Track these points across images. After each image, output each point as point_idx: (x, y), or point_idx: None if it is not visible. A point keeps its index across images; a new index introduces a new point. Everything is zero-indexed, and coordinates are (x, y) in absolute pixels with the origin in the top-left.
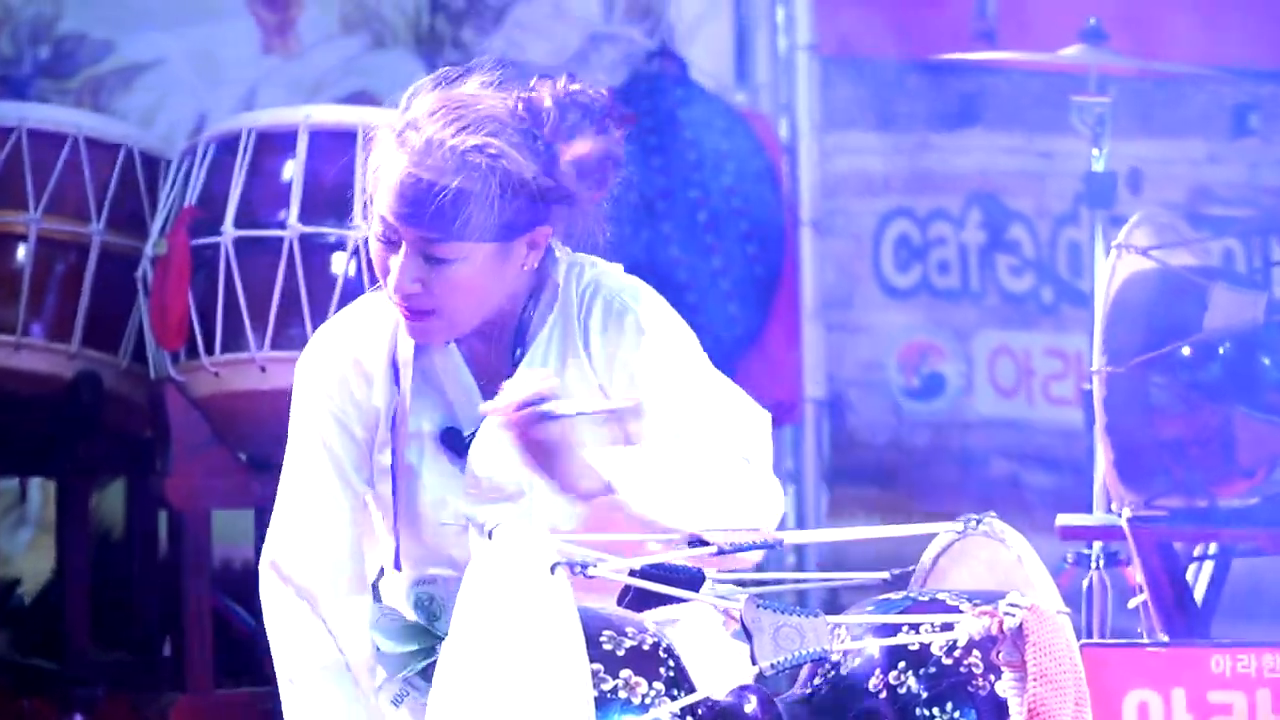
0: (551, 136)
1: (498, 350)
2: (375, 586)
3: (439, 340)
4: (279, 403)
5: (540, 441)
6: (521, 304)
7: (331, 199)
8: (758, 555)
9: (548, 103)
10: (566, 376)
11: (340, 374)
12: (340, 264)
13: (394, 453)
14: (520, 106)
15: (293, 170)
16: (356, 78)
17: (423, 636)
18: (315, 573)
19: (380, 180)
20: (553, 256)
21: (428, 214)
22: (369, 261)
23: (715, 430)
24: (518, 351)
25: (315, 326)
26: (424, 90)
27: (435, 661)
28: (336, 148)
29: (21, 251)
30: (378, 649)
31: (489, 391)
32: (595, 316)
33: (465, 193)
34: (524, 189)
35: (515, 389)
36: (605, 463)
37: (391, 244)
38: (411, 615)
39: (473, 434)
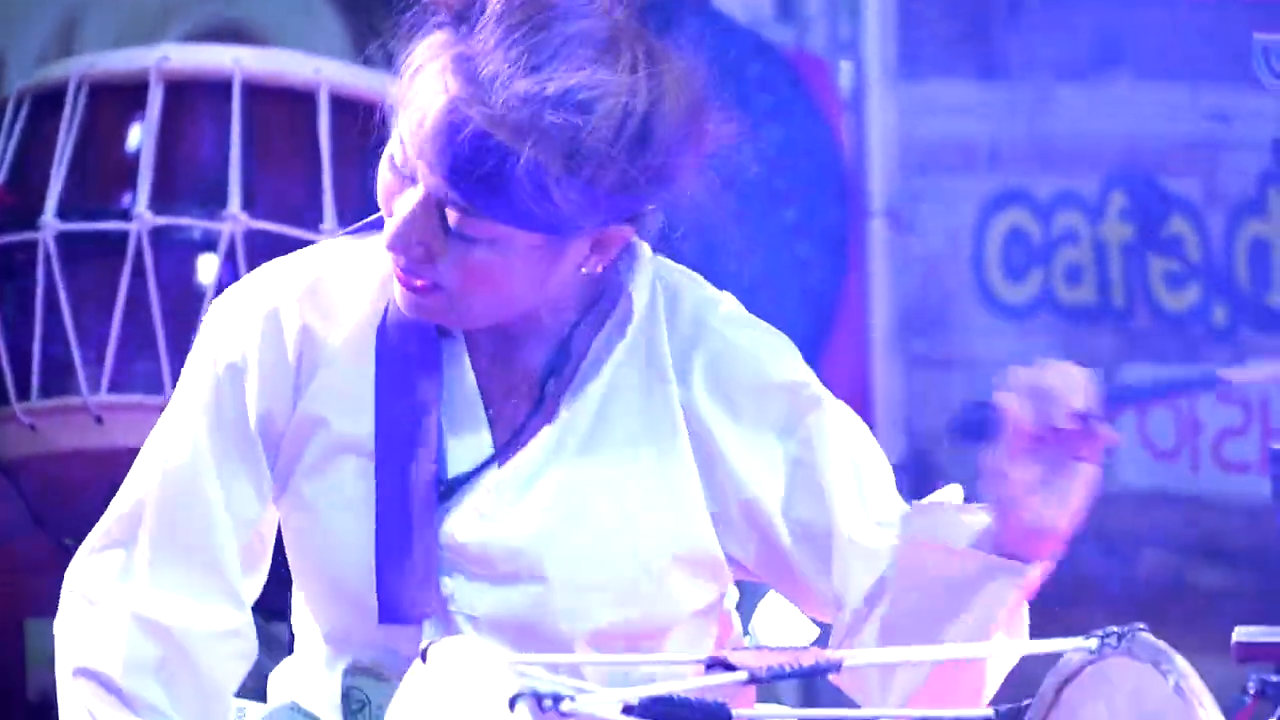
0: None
1: (520, 369)
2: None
3: (444, 321)
4: (122, 468)
5: (1097, 448)
6: (570, 317)
7: (197, 178)
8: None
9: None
10: (645, 414)
11: (283, 324)
12: (210, 270)
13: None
14: (625, 20)
15: (141, 136)
16: (219, 4)
17: None
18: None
19: (416, 89)
20: (629, 256)
21: (463, 175)
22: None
23: None
24: (550, 383)
25: (174, 360)
26: None
27: None
28: (205, 104)
29: None
30: None
31: (498, 421)
32: (725, 372)
33: (525, 163)
34: (610, 167)
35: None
36: None
37: (404, 178)
38: (331, 718)
39: (464, 476)
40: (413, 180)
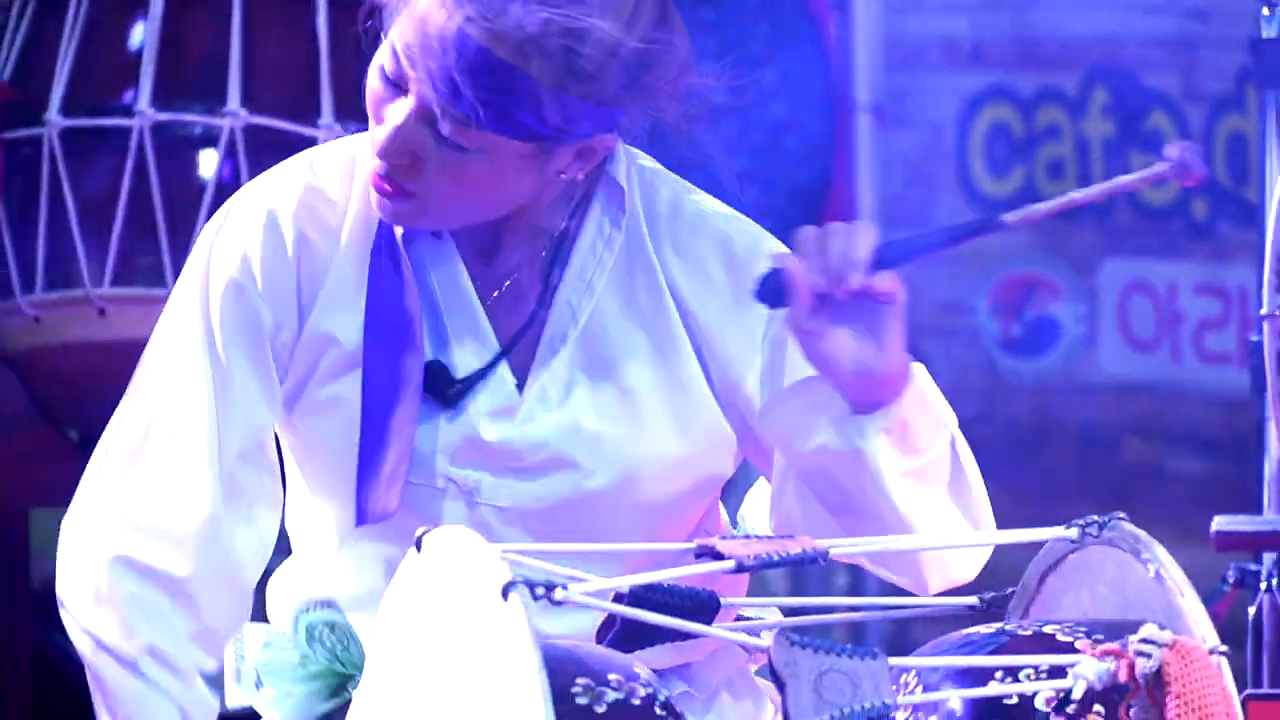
0: (650, 22)
1: (515, 265)
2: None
3: (419, 226)
4: (125, 359)
5: (885, 301)
6: (563, 212)
7: (197, 75)
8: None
9: None
10: (639, 299)
11: (281, 233)
12: (210, 164)
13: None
14: None
15: (144, 35)
16: None
17: (328, 678)
18: (187, 552)
19: (415, 2)
20: (612, 156)
21: (462, 88)
22: (251, 161)
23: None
24: (554, 274)
25: (175, 253)
26: None
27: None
28: (204, 3)
29: None
30: (242, 675)
31: (496, 319)
32: (701, 250)
33: (524, 79)
34: (603, 83)
35: (847, 236)
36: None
37: (395, 87)
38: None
39: (477, 374)
40: (404, 90)
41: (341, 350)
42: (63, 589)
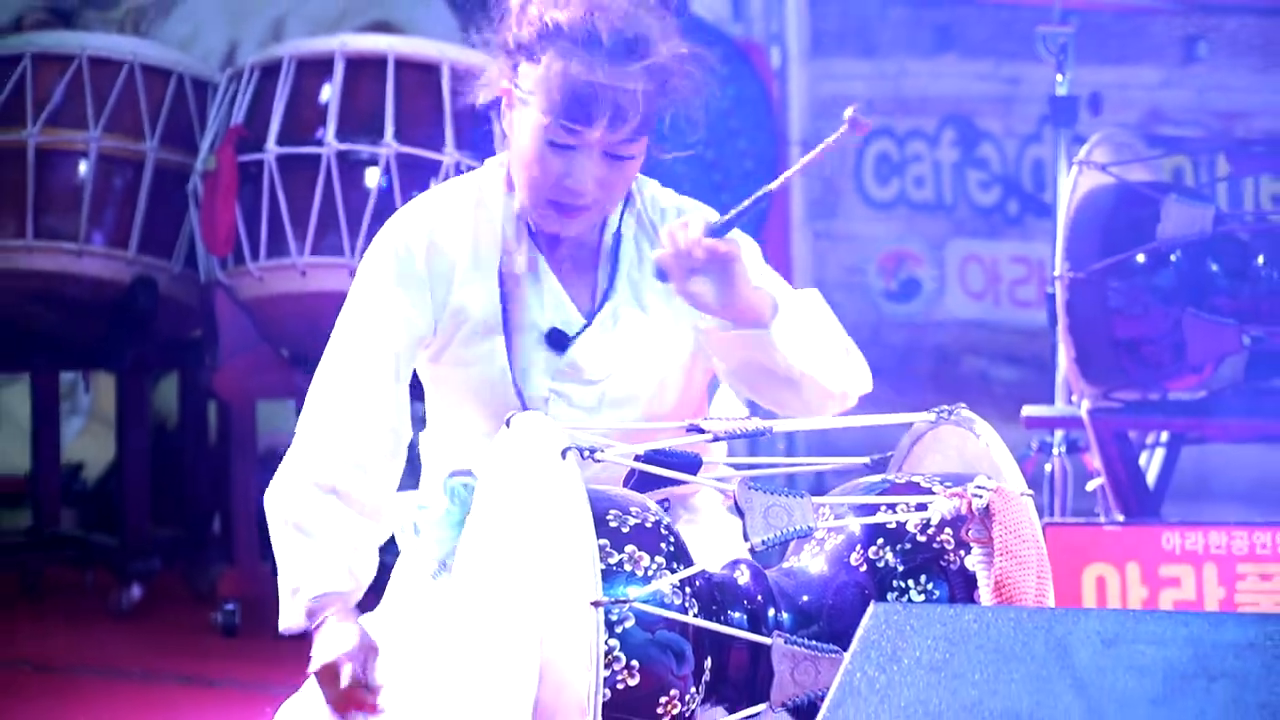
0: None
1: (588, 258)
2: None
3: (579, 231)
4: (318, 303)
5: (724, 259)
6: (617, 213)
7: (365, 119)
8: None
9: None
10: (645, 289)
11: (421, 249)
12: (373, 178)
13: (509, 342)
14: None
15: (330, 93)
16: (376, 9)
17: (464, 523)
18: (357, 471)
19: (564, 81)
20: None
21: (622, 111)
22: (401, 176)
23: (821, 305)
24: (604, 271)
25: (351, 235)
26: None
27: None
28: (369, 73)
29: (83, 167)
30: (416, 528)
31: (578, 300)
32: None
33: (663, 83)
34: (678, 84)
35: (687, 226)
36: (770, 288)
37: (565, 148)
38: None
39: (575, 334)
40: (573, 149)
41: (473, 322)
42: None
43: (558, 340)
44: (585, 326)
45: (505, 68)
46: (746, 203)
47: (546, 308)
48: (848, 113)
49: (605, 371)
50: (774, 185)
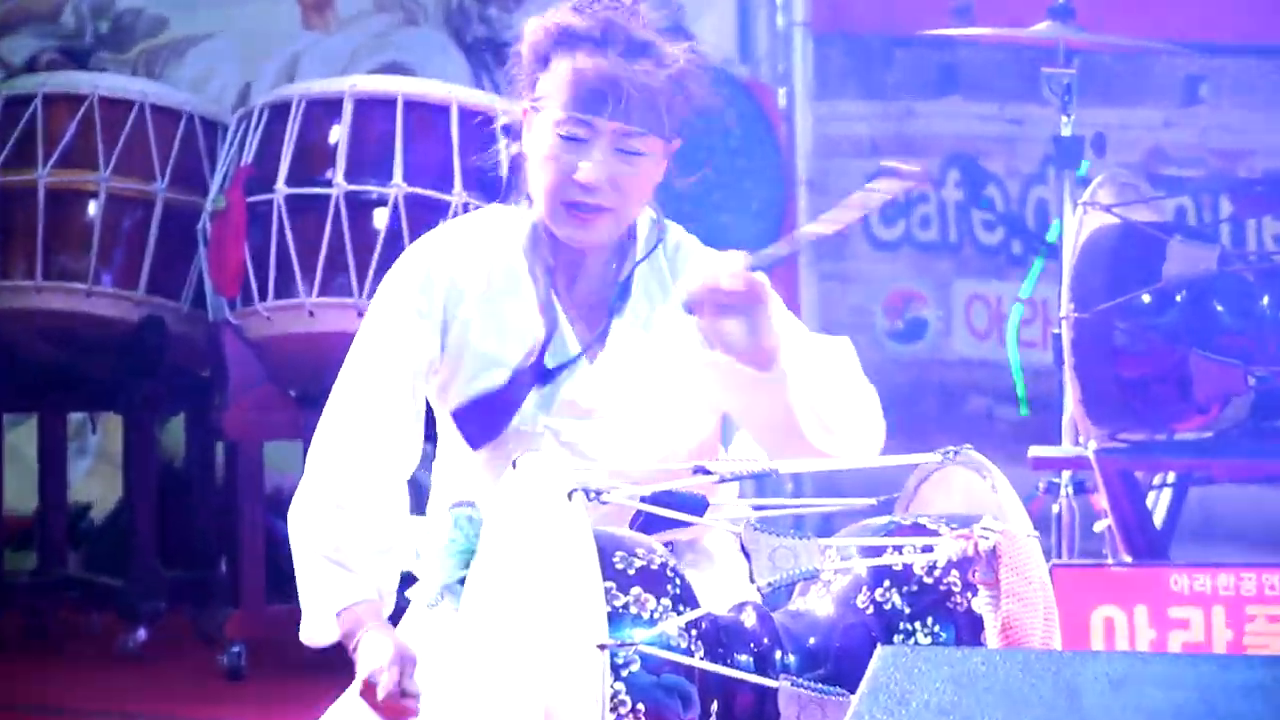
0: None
1: (596, 288)
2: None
3: (600, 240)
4: (326, 344)
5: (757, 296)
6: (622, 244)
7: (374, 160)
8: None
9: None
10: (655, 320)
11: (435, 281)
12: (382, 219)
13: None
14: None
15: (339, 134)
16: (389, 51)
17: (466, 552)
18: (367, 496)
19: (574, 75)
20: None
21: (633, 103)
22: (409, 216)
23: (846, 354)
24: (615, 302)
25: (359, 276)
26: None
27: None
28: (378, 114)
29: (93, 207)
30: (418, 554)
31: (579, 329)
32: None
33: (674, 85)
34: (688, 88)
35: (722, 266)
36: (790, 334)
37: (577, 141)
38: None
39: (561, 365)
40: (582, 142)
41: (475, 353)
42: (293, 511)
43: (543, 373)
44: (575, 358)
45: (524, 88)
46: (783, 247)
47: (553, 342)
48: (888, 168)
49: (598, 405)
50: (818, 231)
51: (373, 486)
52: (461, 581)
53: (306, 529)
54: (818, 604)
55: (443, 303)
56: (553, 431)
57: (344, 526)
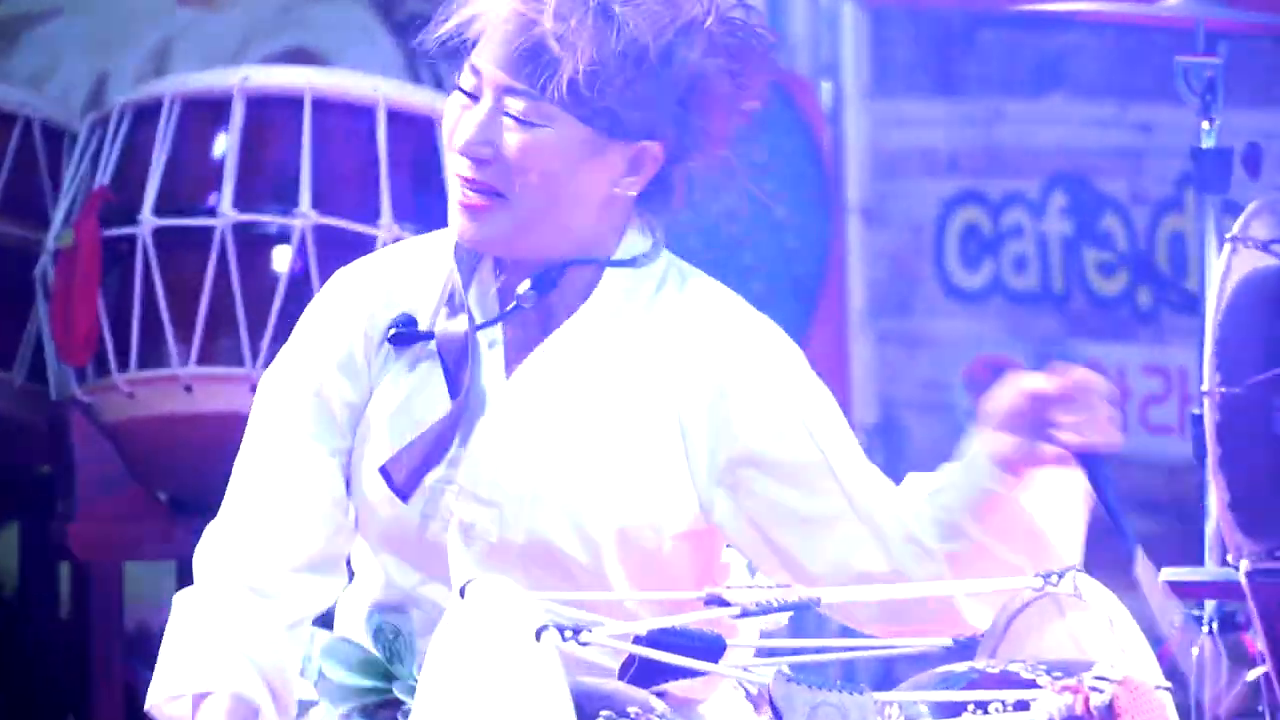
0: (709, 39)
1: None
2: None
3: (496, 241)
4: (208, 430)
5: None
6: (591, 277)
7: (274, 181)
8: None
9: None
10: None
11: (358, 322)
12: (284, 260)
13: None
14: None
15: (226, 145)
16: (293, 33)
17: (378, 674)
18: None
19: (483, 16)
20: (655, 240)
21: (517, 51)
22: (320, 256)
23: None
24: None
25: (253, 338)
26: None
27: (386, 704)
28: (280, 117)
29: None
30: (322, 674)
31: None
32: (720, 348)
33: (576, 41)
34: (652, 74)
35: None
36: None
37: (471, 97)
38: (370, 645)
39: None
40: (476, 98)
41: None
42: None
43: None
44: (459, 412)
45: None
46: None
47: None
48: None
49: (497, 482)
50: None
51: (288, 566)
52: (369, 713)
53: (191, 606)
54: None
55: (367, 353)
56: (464, 529)
57: (239, 609)
